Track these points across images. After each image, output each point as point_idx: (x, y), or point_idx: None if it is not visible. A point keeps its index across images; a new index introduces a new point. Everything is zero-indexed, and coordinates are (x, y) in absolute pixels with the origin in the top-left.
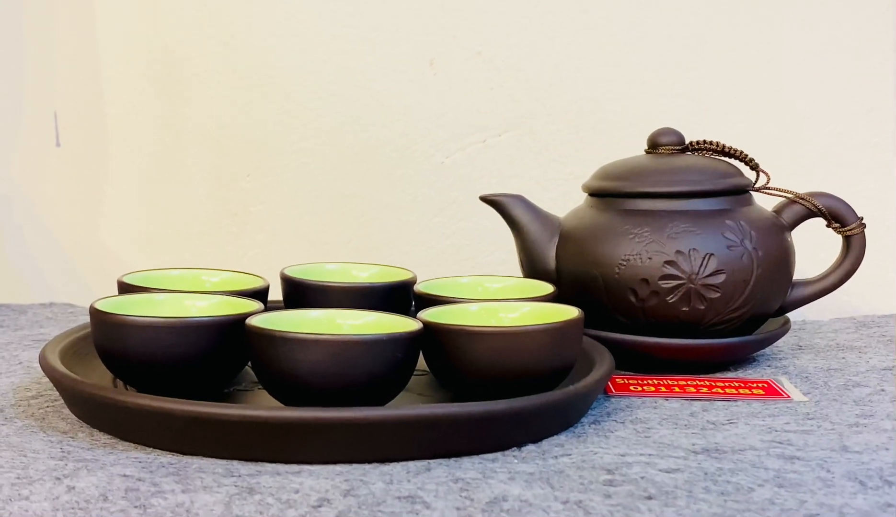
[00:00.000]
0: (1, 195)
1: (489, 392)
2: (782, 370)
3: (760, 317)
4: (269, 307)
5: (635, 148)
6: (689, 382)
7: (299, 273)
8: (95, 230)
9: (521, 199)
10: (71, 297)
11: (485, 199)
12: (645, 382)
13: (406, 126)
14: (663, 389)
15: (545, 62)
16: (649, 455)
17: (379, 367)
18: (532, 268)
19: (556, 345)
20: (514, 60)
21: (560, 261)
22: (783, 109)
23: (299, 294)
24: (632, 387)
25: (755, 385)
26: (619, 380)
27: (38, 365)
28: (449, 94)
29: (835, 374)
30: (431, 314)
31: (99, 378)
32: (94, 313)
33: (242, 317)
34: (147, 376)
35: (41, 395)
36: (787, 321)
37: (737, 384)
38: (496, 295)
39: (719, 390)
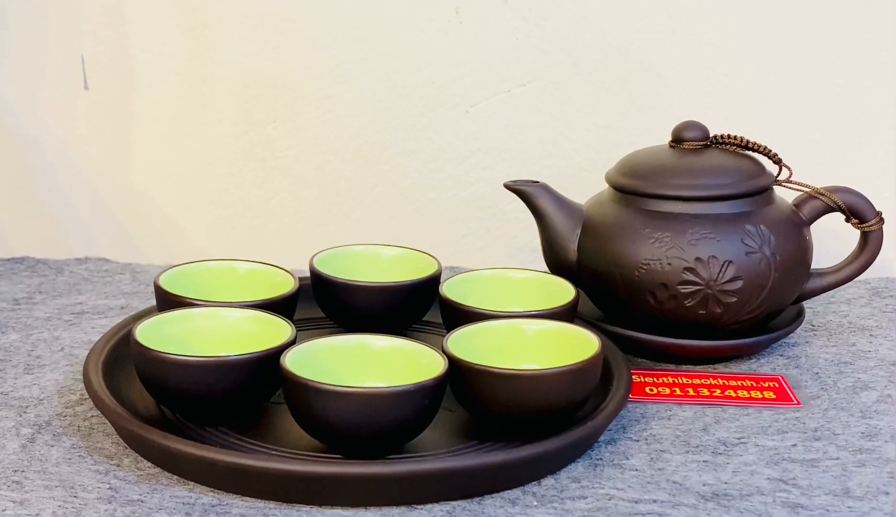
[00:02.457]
0: (31, 137)
1: (510, 425)
2: (793, 362)
3: (775, 313)
4: (300, 326)
5: (660, 102)
6: (702, 381)
7: (328, 263)
8: (125, 171)
9: (544, 188)
10: (105, 241)
11: (509, 187)
12: (660, 381)
13: (431, 74)
14: (678, 392)
15: (571, 11)
16: (662, 502)
17: (407, 415)
18: (554, 259)
19: (577, 382)
20: (541, 9)
21: (582, 254)
22: (807, 100)
23: (328, 291)
24: (647, 390)
25: (766, 384)
26: (635, 378)
27: (79, 357)
28: (474, 43)
29: (845, 371)
30: (458, 341)
31: (140, 394)
32: (135, 345)
33: (277, 352)
34: (187, 406)
35: (85, 400)
36: (802, 312)
37: (749, 383)
38: (519, 291)
39: (731, 393)
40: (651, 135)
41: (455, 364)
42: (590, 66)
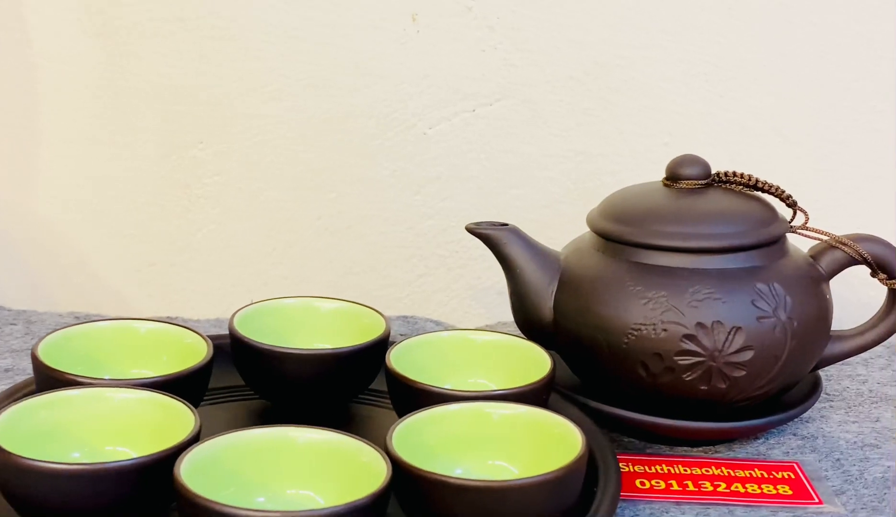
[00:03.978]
0: None
1: None
2: (809, 443)
3: (789, 387)
4: (217, 397)
5: (647, 126)
6: (704, 471)
7: (253, 322)
8: (27, 200)
9: (515, 233)
10: (4, 276)
11: (472, 231)
12: (653, 470)
13: (384, 91)
14: (675, 486)
15: (546, 21)
16: None
17: None
18: (525, 319)
19: (553, 494)
20: (511, 18)
21: (559, 315)
22: (822, 136)
23: (250, 358)
24: (638, 483)
25: (780, 474)
26: (623, 467)
27: None
28: (434, 56)
29: (871, 457)
30: (406, 435)
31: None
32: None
33: (171, 455)
34: None
35: None
36: (819, 384)
37: (759, 473)
38: (483, 358)
39: (739, 487)
40: (637, 163)
41: (401, 468)
42: (567, 83)
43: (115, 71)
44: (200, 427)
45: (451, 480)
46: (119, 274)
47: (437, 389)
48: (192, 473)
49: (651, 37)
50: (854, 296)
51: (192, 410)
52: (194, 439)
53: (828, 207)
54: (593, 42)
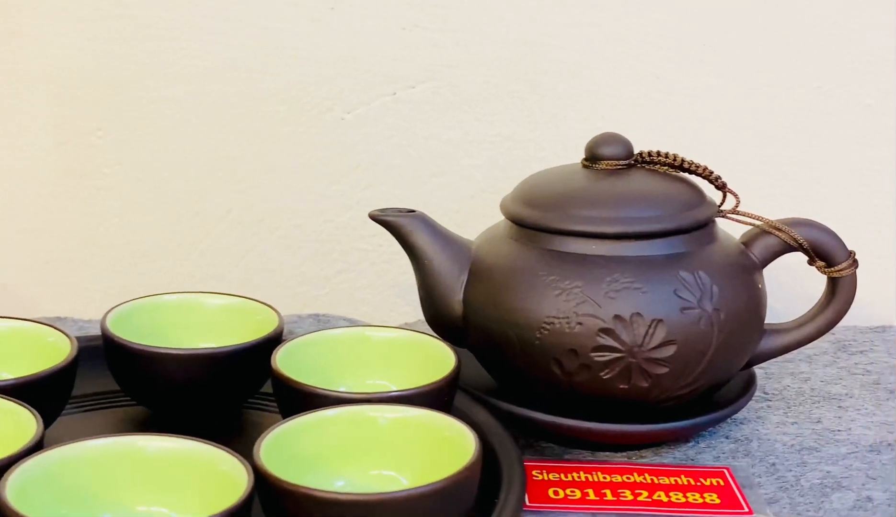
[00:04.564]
0: None
1: None
2: (743, 446)
3: (719, 385)
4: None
5: (580, 110)
6: (625, 477)
7: (129, 321)
8: None
9: (422, 220)
10: None
11: (376, 218)
12: (569, 478)
13: (297, 73)
14: (591, 495)
15: None
16: None
17: None
18: (434, 313)
19: (439, 507)
20: None
21: (468, 308)
22: (764, 119)
23: (123, 359)
24: (551, 493)
25: (707, 480)
26: (535, 474)
27: None
28: (350, 35)
29: (809, 461)
30: (279, 442)
31: None
32: None
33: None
34: None
35: None
36: (753, 381)
37: (685, 480)
38: (382, 355)
39: (662, 495)
40: (568, 150)
41: (267, 481)
42: (494, 64)
43: (3, 52)
44: (42, 437)
45: (318, 494)
46: (11, 272)
47: (323, 391)
48: (23, 491)
49: (582, 14)
50: (793, 287)
51: (36, 418)
52: (30, 451)
53: (772, 194)
54: (521, 20)
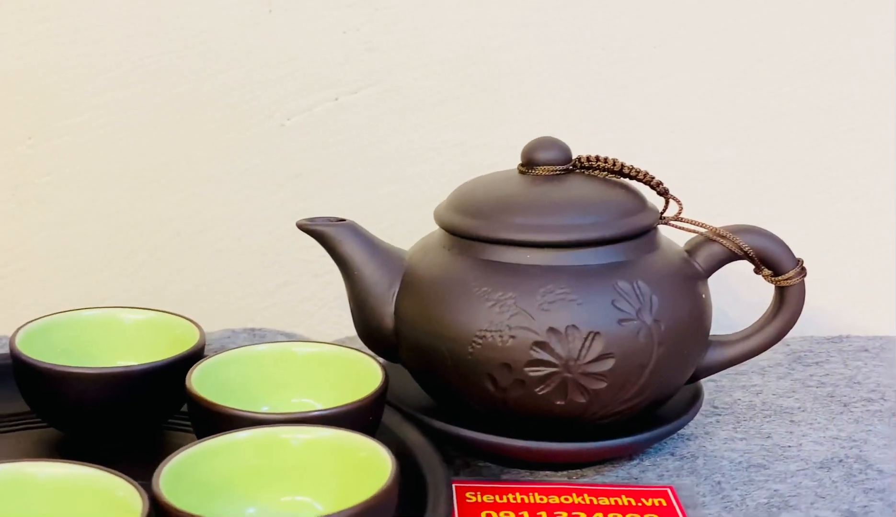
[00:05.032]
0: None
1: None
2: (689, 463)
3: (662, 401)
4: None
5: (530, 115)
6: (563, 499)
7: (42, 338)
8: None
9: (351, 229)
10: None
11: (303, 228)
12: (504, 500)
13: (235, 78)
14: None
15: None
16: None
17: None
18: (365, 327)
19: None
20: None
21: (400, 322)
22: (717, 123)
23: (32, 378)
24: (484, 515)
25: (649, 501)
26: (468, 496)
27: None
28: (289, 38)
29: (756, 479)
30: (181, 470)
31: None
32: None
33: None
34: None
35: None
36: (699, 395)
37: (626, 500)
38: (307, 372)
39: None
40: (517, 155)
41: (165, 511)
42: (439, 68)
43: None
44: None
45: None
46: None
47: (238, 412)
48: None
49: (531, 15)
50: (747, 294)
51: None
52: None
53: (720, 201)
54: (466, 21)
